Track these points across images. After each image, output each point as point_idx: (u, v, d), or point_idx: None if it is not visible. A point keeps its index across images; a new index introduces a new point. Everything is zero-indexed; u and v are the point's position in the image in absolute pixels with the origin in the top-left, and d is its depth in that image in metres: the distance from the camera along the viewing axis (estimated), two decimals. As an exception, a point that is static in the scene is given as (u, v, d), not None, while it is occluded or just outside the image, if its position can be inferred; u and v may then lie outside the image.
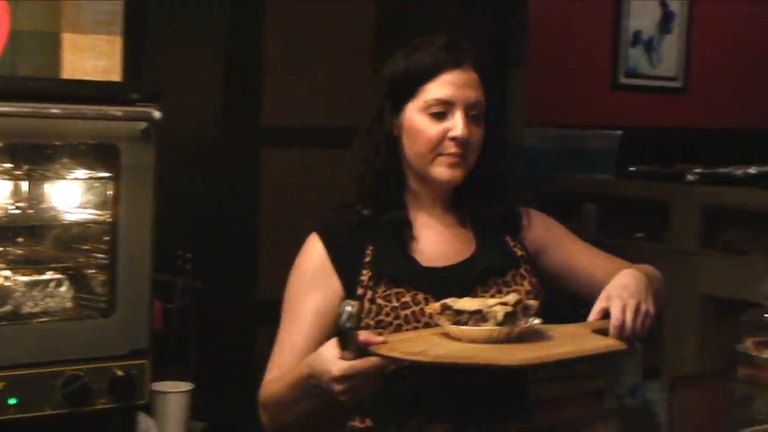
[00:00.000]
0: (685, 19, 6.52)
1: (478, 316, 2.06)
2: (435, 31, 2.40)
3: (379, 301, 2.23)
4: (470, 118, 2.28)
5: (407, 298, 2.24)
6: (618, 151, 5.69)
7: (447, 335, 2.09)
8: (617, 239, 4.89)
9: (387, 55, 2.43)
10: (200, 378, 3.14)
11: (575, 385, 3.45)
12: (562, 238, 2.46)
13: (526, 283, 2.33)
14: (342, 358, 1.98)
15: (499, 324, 2.04)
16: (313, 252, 2.32)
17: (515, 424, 2.25)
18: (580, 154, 5.66)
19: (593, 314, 2.20)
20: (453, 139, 2.26)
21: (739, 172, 5.07)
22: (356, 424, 2.27)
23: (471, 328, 2.05)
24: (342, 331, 1.98)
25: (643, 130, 6.10)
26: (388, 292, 2.24)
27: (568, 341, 2.09)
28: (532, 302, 2.13)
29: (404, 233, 2.32)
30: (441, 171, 2.28)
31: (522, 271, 2.35)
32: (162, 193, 2.74)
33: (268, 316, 3.90)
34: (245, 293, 3.86)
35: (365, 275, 2.26)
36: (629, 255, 2.50)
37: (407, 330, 2.20)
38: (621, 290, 2.20)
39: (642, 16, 6.36)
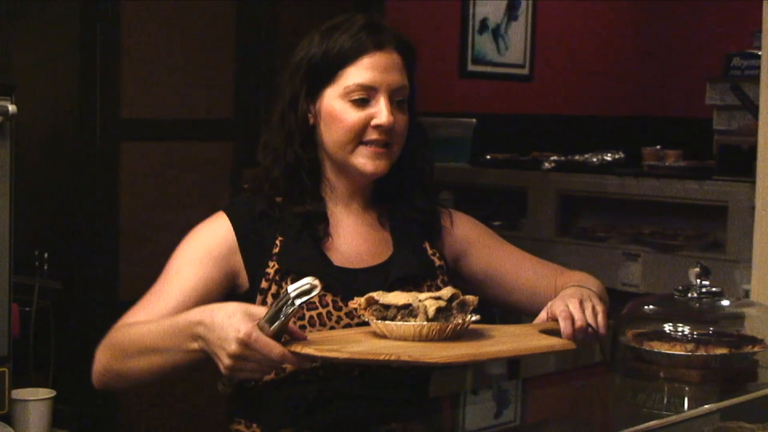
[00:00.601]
0: (530, 7, 6.55)
1: (406, 311, 1.89)
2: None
3: None
4: (394, 105, 2.11)
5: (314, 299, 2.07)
6: (472, 139, 5.69)
7: (375, 334, 1.92)
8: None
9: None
10: (61, 384, 3.01)
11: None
12: (487, 242, 2.33)
13: None
14: (259, 325, 1.78)
15: (430, 320, 1.87)
16: (220, 230, 2.12)
17: (419, 425, 2.14)
18: (434, 143, 5.62)
19: (537, 320, 2.10)
20: (376, 127, 2.09)
21: (594, 159, 5.12)
22: (241, 428, 2.12)
23: (398, 323, 1.88)
24: (284, 303, 1.75)
25: (495, 117, 6.11)
26: None
27: (508, 340, 1.95)
28: (470, 297, 1.96)
29: (318, 228, 2.14)
30: (363, 162, 2.11)
31: (438, 282, 2.20)
32: (17, 190, 2.61)
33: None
34: (106, 294, 3.73)
35: (271, 267, 2.09)
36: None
37: (311, 333, 2.04)
38: (562, 296, 2.12)
39: (489, 4, 6.37)
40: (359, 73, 2.09)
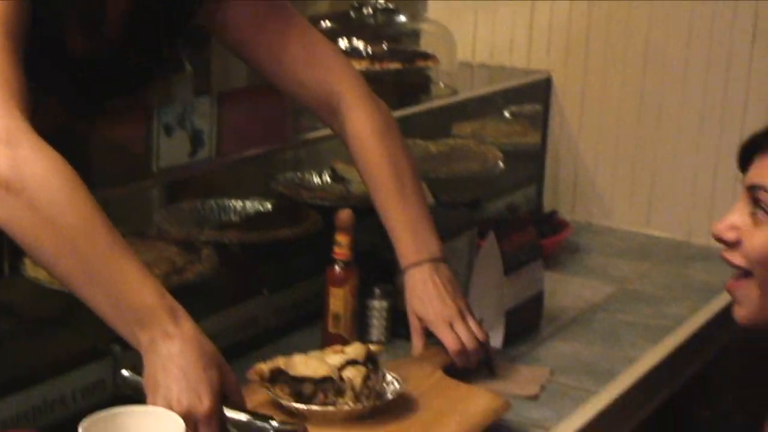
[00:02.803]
0: None
1: (329, 387, 1.52)
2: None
3: None
4: None
5: None
6: None
7: (289, 412, 1.51)
8: None
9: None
10: None
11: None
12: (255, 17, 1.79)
13: None
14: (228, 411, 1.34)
15: (358, 393, 1.52)
16: None
17: None
18: None
19: (416, 339, 1.78)
20: None
21: None
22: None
23: (325, 409, 1.50)
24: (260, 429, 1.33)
25: None
26: None
27: (442, 403, 1.60)
28: (375, 348, 1.60)
29: None
30: None
31: None
32: None
33: None
34: None
35: None
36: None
37: None
38: (428, 304, 1.76)
39: None
40: None
